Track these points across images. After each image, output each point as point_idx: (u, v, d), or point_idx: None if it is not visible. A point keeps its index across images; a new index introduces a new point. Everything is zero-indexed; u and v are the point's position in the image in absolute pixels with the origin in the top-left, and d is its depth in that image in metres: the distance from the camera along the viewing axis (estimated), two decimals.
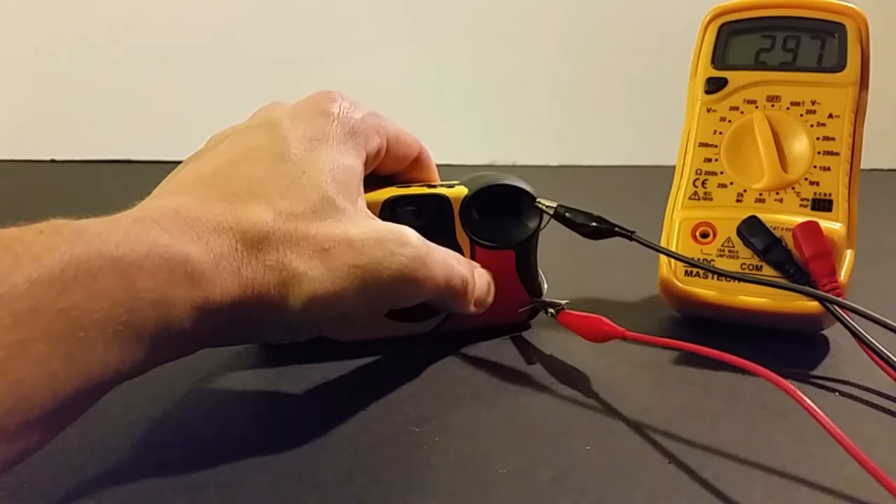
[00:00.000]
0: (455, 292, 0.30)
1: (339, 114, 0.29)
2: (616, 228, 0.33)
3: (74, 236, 0.20)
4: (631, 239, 0.32)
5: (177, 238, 0.22)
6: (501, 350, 0.34)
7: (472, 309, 0.32)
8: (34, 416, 0.18)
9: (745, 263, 0.34)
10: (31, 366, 0.18)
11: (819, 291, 0.31)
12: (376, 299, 0.27)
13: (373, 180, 0.32)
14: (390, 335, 0.34)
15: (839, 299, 0.30)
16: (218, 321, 0.23)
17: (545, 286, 0.36)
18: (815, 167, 0.35)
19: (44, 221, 0.20)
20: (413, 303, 0.29)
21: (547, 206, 0.33)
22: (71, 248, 0.20)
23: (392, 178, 0.34)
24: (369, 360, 0.32)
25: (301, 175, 0.26)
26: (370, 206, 0.31)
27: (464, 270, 0.30)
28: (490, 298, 0.33)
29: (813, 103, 0.35)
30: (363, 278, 0.26)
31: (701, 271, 0.34)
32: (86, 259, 0.20)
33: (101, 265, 0.20)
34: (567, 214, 0.33)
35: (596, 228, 0.33)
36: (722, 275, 0.33)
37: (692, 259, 0.34)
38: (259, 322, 0.25)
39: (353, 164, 0.28)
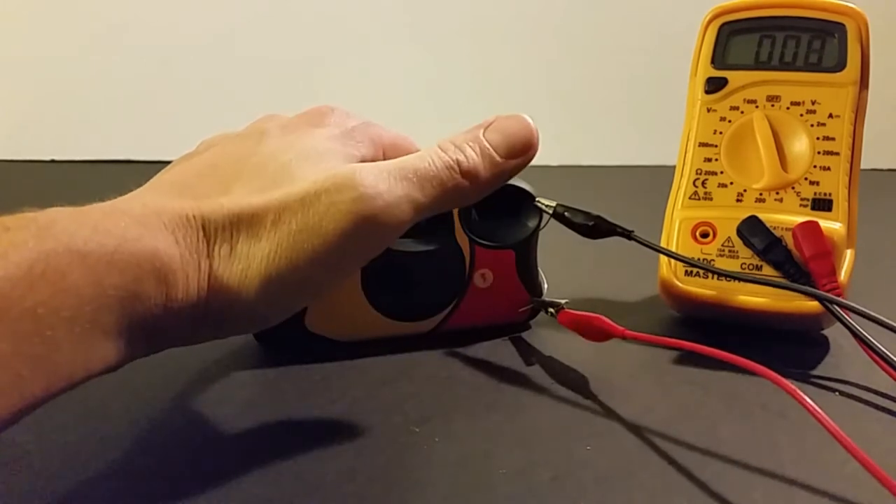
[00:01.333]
0: (450, 192, 0.27)
1: (331, 123, 0.28)
2: (615, 228, 0.33)
3: (43, 231, 0.20)
4: (630, 238, 0.32)
5: (143, 232, 0.22)
6: (501, 350, 0.34)
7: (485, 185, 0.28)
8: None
9: (745, 263, 0.34)
10: None
11: (819, 291, 0.31)
12: (334, 260, 0.24)
13: None
14: (390, 335, 0.34)
15: (839, 299, 0.30)
16: (186, 315, 0.23)
17: (545, 286, 0.36)
18: (815, 167, 0.35)
19: (11, 215, 0.20)
20: (391, 241, 0.27)
21: (546, 206, 0.33)
22: (39, 243, 0.19)
23: None
24: (369, 360, 0.32)
25: (283, 172, 0.25)
26: None
27: (447, 158, 0.27)
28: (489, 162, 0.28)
29: (813, 103, 0.35)
30: (308, 241, 0.24)
31: (701, 271, 0.34)
32: (54, 255, 0.19)
33: (70, 261, 0.19)
34: (566, 214, 0.33)
35: (595, 227, 0.33)
36: (722, 275, 0.33)
37: (691, 259, 0.34)
38: (226, 313, 0.24)
39: (334, 162, 0.26)
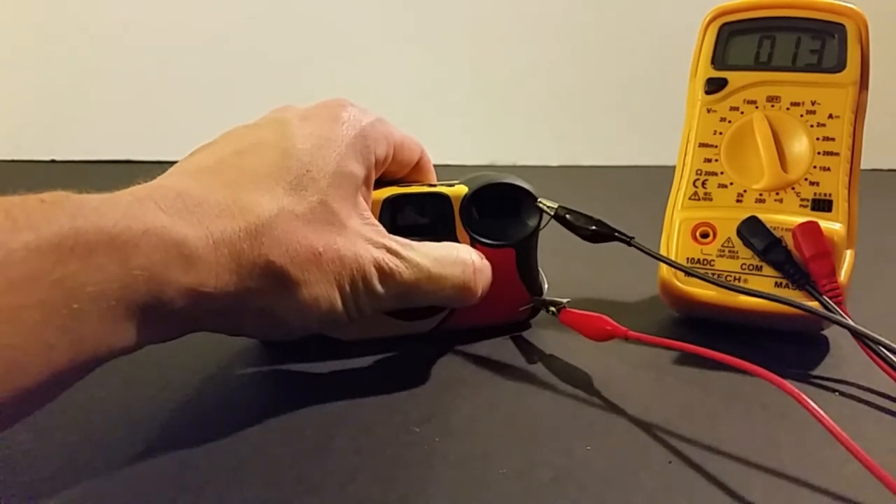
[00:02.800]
0: (460, 296, 0.31)
1: (348, 119, 0.29)
2: (615, 233, 0.33)
3: (75, 209, 0.20)
4: (630, 244, 0.32)
5: (175, 220, 0.22)
6: (502, 349, 0.34)
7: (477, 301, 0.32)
8: (26, 384, 0.19)
9: (745, 264, 0.34)
10: (25, 333, 0.18)
11: (813, 304, 0.31)
12: (366, 307, 0.28)
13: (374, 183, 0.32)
14: (391, 334, 0.34)
15: (835, 310, 0.30)
16: (211, 306, 0.24)
17: (545, 285, 0.36)
18: (815, 167, 0.35)
19: (47, 192, 0.20)
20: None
21: (548, 207, 0.33)
22: (70, 220, 0.20)
23: (393, 181, 0.34)
24: (369, 359, 0.32)
25: (305, 174, 0.26)
26: (371, 204, 0.31)
27: (467, 274, 0.31)
28: (486, 289, 0.32)
29: (813, 103, 0.35)
30: (351, 287, 0.27)
31: (700, 272, 0.34)
32: (83, 233, 0.20)
33: (98, 240, 0.20)
34: (567, 216, 0.33)
35: (595, 232, 0.33)
36: (721, 286, 0.33)
37: (692, 268, 0.34)
38: (253, 313, 0.25)
39: (356, 171, 0.28)
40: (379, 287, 0.28)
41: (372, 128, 0.29)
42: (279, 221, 0.25)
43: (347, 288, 0.27)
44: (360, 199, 0.29)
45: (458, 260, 0.30)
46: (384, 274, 0.28)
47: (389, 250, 0.28)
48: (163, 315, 0.22)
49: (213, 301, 0.23)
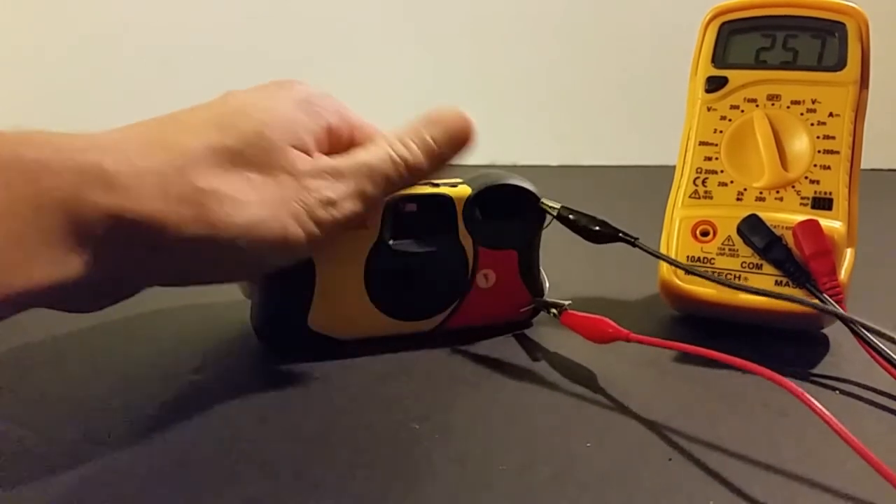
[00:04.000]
0: (394, 184, 0.29)
1: (297, 87, 0.29)
2: (619, 233, 0.33)
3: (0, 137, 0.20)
4: (634, 245, 0.32)
5: (95, 151, 0.22)
6: (502, 348, 0.34)
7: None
8: None
9: (745, 262, 0.34)
10: None
11: (813, 301, 0.31)
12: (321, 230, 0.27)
13: None
14: (391, 334, 0.34)
15: (838, 310, 0.30)
16: (138, 235, 0.23)
17: (546, 285, 0.36)
18: (815, 166, 0.35)
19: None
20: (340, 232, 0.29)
21: (551, 207, 0.33)
22: None
23: None
24: (369, 358, 0.32)
25: (235, 112, 0.26)
26: None
27: (395, 155, 0.29)
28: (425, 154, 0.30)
29: (813, 102, 0.35)
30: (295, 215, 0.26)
31: (700, 270, 0.34)
32: None
33: (10, 162, 0.20)
34: (570, 217, 0.33)
35: (599, 232, 0.33)
36: (721, 283, 0.33)
37: (693, 266, 0.34)
38: (187, 249, 0.24)
39: (297, 118, 0.27)
40: (321, 211, 0.27)
41: (322, 97, 0.29)
42: (207, 154, 0.25)
43: (290, 211, 0.26)
44: (297, 150, 0.27)
45: (381, 152, 0.29)
46: (327, 202, 0.27)
47: (323, 174, 0.27)
48: (82, 241, 0.21)
49: (138, 229, 0.23)
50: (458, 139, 0.31)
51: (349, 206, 0.28)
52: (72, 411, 0.28)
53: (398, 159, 0.29)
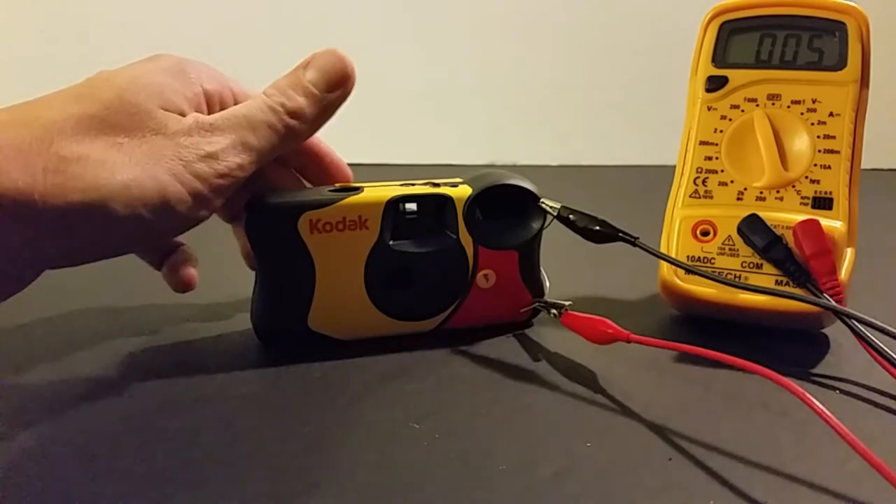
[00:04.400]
0: (281, 133, 0.29)
1: (164, 57, 0.29)
2: (619, 233, 0.33)
3: None
4: (634, 245, 0.32)
5: None
6: (502, 348, 0.34)
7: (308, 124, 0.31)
8: None
9: (745, 262, 0.34)
10: None
11: (815, 298, 0.31)
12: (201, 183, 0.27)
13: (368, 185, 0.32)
14: (392, 334, 0.34)
15: (837, 306, 0.30)
16: (8, 212, 0.23)
17: (547, 285, 0.36)
18: (815, 165, 0.35)
19: None
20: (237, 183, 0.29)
21: (551, 207, 0.33)
22: None
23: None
24: (370, 358, 0.32)
25: (97, 83, 0.27)
26: (373, 205, 0.31)
27: (271, 102, 0.29)
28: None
29: (813, 101, 0.35)
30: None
31: (701, 270, 0.34)
32: None
33: None
34: (571, 217, 0.33)
35: (599, 232, 0.33)
36: (722, 283, 0.33)
37: (694, 266, 0.34)
38: (64, 215, 0.24)
39: (162, 81, 0.28)
40: (201, 165, 0.27)
41: (195, 64, 0.29)
42: (71, 124, 0.25)
43: (166, 168, 0.26)
44: (168, 112, 0.27)
45: (258, 102, 0.29)
46: (206, 155, 0.27)
47: (198, 130, 0.27)
48: None
49: (7, 206, 0.23)
50: (336, 79, 0.31)
51: (233, 159, 0.28)
52: (71, 411, 0.28)
53: (277, 106, 0.29)
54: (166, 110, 0.27)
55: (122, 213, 0.25)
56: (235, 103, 0.30)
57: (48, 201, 0.24)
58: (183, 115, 0.27)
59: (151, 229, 0.27)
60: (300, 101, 0.30)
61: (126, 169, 0.25)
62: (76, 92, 0.26)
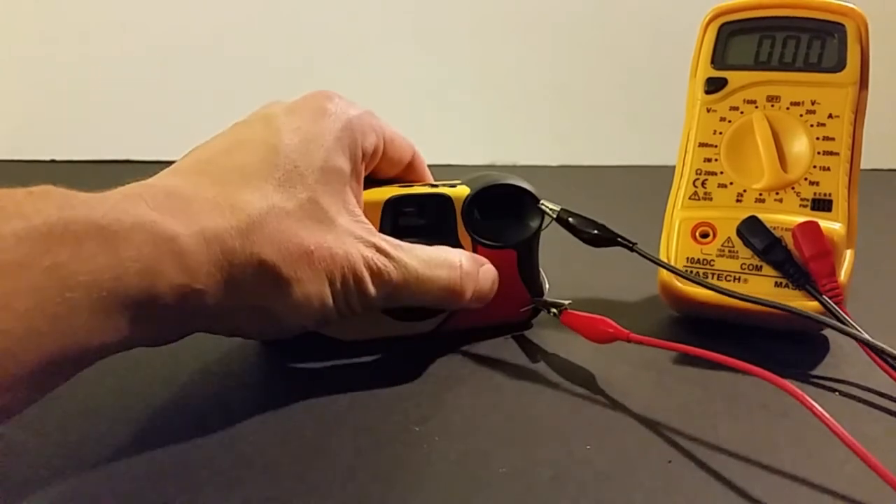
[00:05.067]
0: (448, 298, 0.31)
1: (334, 111, 0.29)
2: (618, 238, 0.33)
3: (63, 200, 0.20)
4: (632, 250, 0.32)
5: (166, 217, 0.22)
6: (502, 349, 0.34)
7: (471, 305, 0.32)
8: (17, 371, 0.19)
9: (744, 263, 0.34)
10: (16, 319, 0.18)
11: (814, 314, 0.31)
12: (356, 305, 0.28)
13: (369, 183, 0.32)
14: (391, 335, 0.34)
15: (835, 310, 0.30)
16: (203, 304, 0.23)
17: (546, 285, 0.36)
18: (814, 167, 0.35)
19: (35, 186, 0.20)
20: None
21: (550, 209, 0.33)
22: (59, 210, 0.20)
23: (387, 181, 0.34)
24: (370, 359, 0.32)
25: (293, 170, 0.26)
26: (372, 205, 0.31)
27: (453, 278, 0.30)
28: (491, 293, 0.33)
29: (813, 103, 0.35)
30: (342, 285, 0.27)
31: (700, 271, 0.34)
32: (73, 222, 0.20)
33: (87, 230, 0.20)
34: (570, 220, 0.33)
35: (597, 236, 0.33)
36: (719, 292, 0.32)
37: (692, 276, 0.34)
38: (245, 312, 0.25)
39: (344, 166, 0.28)
40: (369, 286, 0.28)
41: (359, 120, 0.29)
42: (270, 219, 0.25)
43: (338, 285, 0.27)
44: (349, 194, 0.28)
45: (445, 262, 0.30)
46: (374, 273, 0.28)
47: (379, 249, 0.28)
48: (155, 311, 0.22)
49: (204, 298, 0.23)
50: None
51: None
52: (71, 413, 0.28)
53: (457, 286, 0.31)
54: (345, 203, 0.28)
55: (288, 322, 0.27)
56: (385, 154, 0.31)
57: (239, 300, 0.25)
58: (354, 195, 0.29)
59: (301, 328, 0.28)
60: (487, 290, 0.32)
61: (306, 285, 0.26)
62: (275, 175, 0.26)
